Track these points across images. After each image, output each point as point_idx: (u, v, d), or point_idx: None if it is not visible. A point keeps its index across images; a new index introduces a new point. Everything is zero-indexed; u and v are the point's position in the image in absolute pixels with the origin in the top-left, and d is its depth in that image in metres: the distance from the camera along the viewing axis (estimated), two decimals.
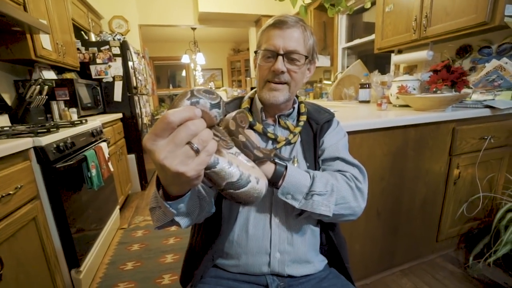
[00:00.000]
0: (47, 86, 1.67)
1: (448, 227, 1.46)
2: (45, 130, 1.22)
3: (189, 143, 0.30)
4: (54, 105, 1.80)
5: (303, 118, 0.68)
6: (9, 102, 1.64)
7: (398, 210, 1.32)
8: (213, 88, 4.66)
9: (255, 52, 0.64)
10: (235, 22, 3.80)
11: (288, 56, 0.60)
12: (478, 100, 1.42)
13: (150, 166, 3.03)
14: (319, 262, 0.67)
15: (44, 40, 1.65)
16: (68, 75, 2.18)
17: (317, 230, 0.67)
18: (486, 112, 1.33)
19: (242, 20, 3.75)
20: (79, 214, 1.36)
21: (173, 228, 1.94)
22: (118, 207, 2.04)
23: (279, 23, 0.59)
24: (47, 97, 1.71)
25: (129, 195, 2.60)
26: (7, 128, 1.36)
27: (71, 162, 1.22)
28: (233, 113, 0.51)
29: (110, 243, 1.80)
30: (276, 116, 0.68)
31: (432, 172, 1.34)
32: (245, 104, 0.69)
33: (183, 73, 6.43)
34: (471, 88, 1.52)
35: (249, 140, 0.48)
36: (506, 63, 1.34)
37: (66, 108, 1.89)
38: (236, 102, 0.72)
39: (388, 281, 1.34)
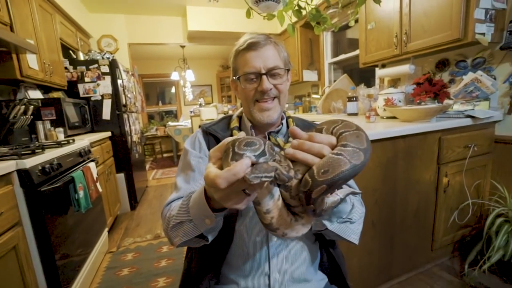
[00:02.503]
0: (32, 106, 1.62)
1: (442, 235, 1.48)
2: (29, 152, 1.17)
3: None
4: (40, 125, 1.75)
5: None
6: None
7: (392, 221, 1.32)
8: (203, 104, 4.67)
9: (237, 78, 0.64)
10: (223, 40, 3.89)
11: (270, 73, 0.62)
12: (459, 110, 1.49)
13: (139, 184, 2.95)
14: (319, 280, 0.66)
15: (31, 60, 1.63)
16: (55, 94, 2.14)
17: (315, 247, 0.65)
18: (468, 121, 1.39)
19: (230, 38, 3.84)
20: (65, 239, 1.29)
21: (165, 249, 1.88)
22: (106, 229, 1.95)
23: (253, 45, 0.61)
24: (32, 117, 1.66)
25: (118, 216, 2.50)
26: None
27: (57, 185, 1.17)
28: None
29: (98, 268, 1.71)
30: (266, 134, 0.68)
31: (422, 181, 1.37)
32: (234, 123, 0.70)
33: (173, 90, 6.44)
34: (452, 99, 1.59)
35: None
36: (481, 75, 1.43)
37: (52, 128, 1.84)
38: (225, 121, 0.73)
39: None
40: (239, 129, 0.69)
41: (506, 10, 1.40)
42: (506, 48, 1.38)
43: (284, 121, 0.71)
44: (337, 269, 0.67)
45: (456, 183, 1.45)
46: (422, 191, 1.37)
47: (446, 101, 1.53)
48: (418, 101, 1.55)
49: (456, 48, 1.57)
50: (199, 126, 0.71)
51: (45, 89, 2.08)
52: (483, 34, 1.37)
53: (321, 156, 0.36)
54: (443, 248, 1.53)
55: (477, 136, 1.45)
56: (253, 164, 0.35)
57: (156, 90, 6.48)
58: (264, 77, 0.61)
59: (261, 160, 0.36)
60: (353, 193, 0.49)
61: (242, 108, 0.72)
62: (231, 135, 0.67)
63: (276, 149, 0.40)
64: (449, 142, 1.37)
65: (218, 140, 0.66)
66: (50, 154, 1.25)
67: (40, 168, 1.13)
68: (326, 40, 3.11)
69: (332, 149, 0.36)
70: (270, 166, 0.35)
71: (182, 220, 0.49)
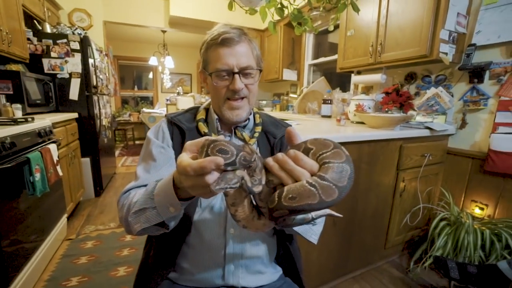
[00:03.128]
0: None
1: (394, 235, 1.61)
2: None
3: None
4: None
5: (258, 129, 0.70)
6: None
7: (352, 221, 1.41)
8: (181, 93, 4.54)
9: (209, 74, 0.63)
10: (207, 29, 3.78)
11: (243, 72, 0.62)
12: (420, 122, 1.61)
13: (107, 170, 2.81)
14: (274, 273, 0.69)
15: None
16: (13, 67, 1.95)
17: (273, 240, 0.68)
18: (426, 132, 1.51)
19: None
20: (15, 224, 1.20)
21: (128, 238, 1.83)
22: (65, 215, 1.85)
23: (226, 41, 0.60)
24: None
25: (80, 202, 2.37)
26: None
27: (9, 165, 1.08)
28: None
29: (52, 256, 1.62)
30: (232, 128, 0.69)
31: (382, 185, 1.47)
32: (201, 115, 0.69)
33: (150, 75, 6.17)
34: (416, 110, 1.72)
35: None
36: (441, 91, 1.56)
37: (8, 103, 1.69)
38: (192, 112, 0.72)
39: (341, 287, 1.41)
40: (205, 121, 0.69)
41: (466, 35, 1.53)
42: (463, 69, 1.51)
43: (251, 116, 0.72)
44: (293, 263, 0.70)
45: (411, 188, 1.58)
46: (381, 194, 1.48)
47: (410, 112, 1.65)
48: (385, 110, 1.65)
49: (423, 63, 1.70)
50: (165, 116, 0.70)
51: (1, 59, 1.89)
52: (446, 53, 1.49)
53: (297, 180, 0.35)
54: (395, 247, 1.66)
55: (432, 146, 1.58)
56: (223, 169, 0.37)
57: (133, 74, 6.16)
58: (237, 76, 0.60)
59: (229, 168, 0.37)
60: (331, 215, 0.50)
61: (209, 101, 0.72)
62: (197, 127, 0.67)
63: (256, 155, 0.40)
64: (408, 150, 1.49)
65: (182, 132, 0.66)
66: (2, 132, 1.15)
67: None
68: (308, 41, 3.17)
69: (312, 175, 0.36)
70: (236, 176, 0.37)
71: (145, 206, 0.49)
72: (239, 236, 0.62)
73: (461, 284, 1.35)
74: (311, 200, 0.34)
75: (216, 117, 0.68)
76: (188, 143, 0.40)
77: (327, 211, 0.50)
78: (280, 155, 0.37)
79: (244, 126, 0.70)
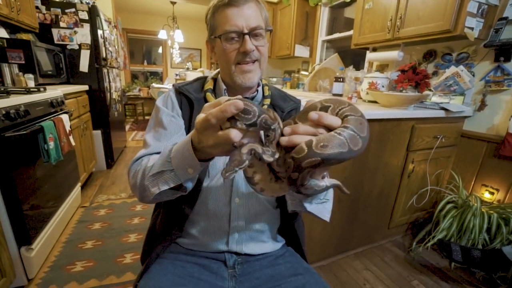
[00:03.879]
0: None
1: (399, 215, 1.61)
2: None
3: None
4: (6, 68, 1.61)
5: (267, 101, 0.68)
6: None
7: (357, 199, 1.42)
8: (190, 69, 4.48)
9: (216, 37, 0.60)
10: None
11: (253, 33, 0.59)
12: (435, 102, 1.54)
13: (118, 144, 2.88)
14: (276, 242, 0.71)
15: None
16: (24, 36, 1.95)
17: (276, 212, 0.69)
18: (441, 113, 1.46)
19: None
20: (33, 189, 1.26)
21: (139, 207, 1.91)
22: (79, 184, 1.93)
23: (234, 1, 0.57)
24: None
25: (92, 173, 2.47)
26: None
27: (24, 132, 1.12)
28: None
29: (69, 221, 1.72)
30: None
31: (390, 165, 1.45)
32: (208, 85, 0.67)
33: (160, 50, 6.07)
34: (432, 90, 1.64)
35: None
36: (462, 70, 1.47)
37: (21, 73, 1.71)
38: (199, 82, 0.70)
39: (342, 262, 1.45)
40: (213, 91, 0.68)
41: (498, 7, 1.41)
42: (489, 46, 1.41)
43: (259, 88, 0.70)
44: (295, 235, 0.71)
45: (420, 170, 1.55)
46: (388, 174, 1.46)
47: (426, 92, 1.58)
48: (400, 88, 1.58)
49: (445, 40, 1.59)
50: (173, 85, 0.69)
51: (11, 28, 1.89)
52: (472, 28, 1.38)
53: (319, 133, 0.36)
54: (399, 227, 1.68)
55: (446, 128, 1.53)
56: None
57: (142, 48, 6.08)
58: (247, 37, 0.58)
59: (250, 129, 0.38)
60: (339, 188, 0.50)
61: (218, 70, 0.70)
62: (204, 97, 0.66)
63: (277, 124, 0.39)
64: (420, 131, 1.44)
65: (190, 102, 0.65)
66: (16, 100, 1.17)
67: (4, 112, 1.06)
68: (323, 16, 3.01)
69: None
70: (243, 155, 0.37)
71: (163, 169, 0.49)
72: (244, 205, 0.63)
73: (462, 266, 1.37)
74: (342, 148, 0.34)
75: (224, 87, 0.66)
76: (206, 105, 0.39)
77: (338, 182, 0.49)
78: (313, 114, 0.37)
79: (253, 98, 0.68)
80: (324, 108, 0.39)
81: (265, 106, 0.67)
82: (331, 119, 0.36)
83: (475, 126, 1.57)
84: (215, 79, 0.69)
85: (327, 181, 0.47)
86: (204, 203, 0.63)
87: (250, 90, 0.68)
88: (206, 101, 0.66)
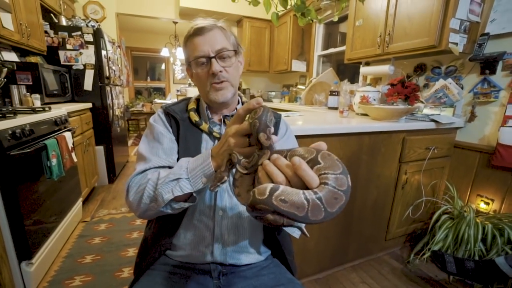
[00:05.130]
0: (6, 69, 1.58)
1: (396, 227, 1.61)
2: (0, 115, 1.17)
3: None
4: (14, 89, 1.70)
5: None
6: None
7: (351, 211, 1.43)
8: (192, 84, 4.60)
9: (189, 64, 0.68)
10: (217, 20, 3.80)
11: (219, 55, 0.64)
12: (426, 114, 1.58)
13: (120, 159, 2.95)
14: (261, 253, 0.73)
15: (5, 19, 1.56)
16: (32, 59, 2.07)
17: (259, 224, 0.71)
18: (432, 125, 1.49)
19: (224, 19, 3.76)
20: (35, 204, 1.31)
21: (138, 222, 1.93)
22: (81, 199, 1.97)
23: (199, 31, 0.64)
24: (5, 80, 1.62)
25: (94, 188, 2.52)
26: None
27: (28, 150, 1.18)
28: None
29: (69, 236, 1.75)
30: (221, 117, 0.72)
31: (383, 177, 1.47)
32: (192, 105, 0.73)
33: (163, 66, 6.28)
34: (423, 102, 1.68)
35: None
36: (450, 83, 1.51)
37: (28, 93, 1.80)
38: (184, 102, 0.76)
39: (339, 275, 1.45)
40: (197, 111, 0.73)
41: (480, 24, 1.47)
42: (474, 60, 1.46)
43: (239, 106, 0.75)
44: (278, 245, 0.73)
45: (414, 181, 1.56)
46: (382, 186, 1.48)
47: (417, 104, 1.62)
48: (390, 101, 1.63)
49: (432, 54, 1.65)
50: (161, 107, 0.75)
51: (21, 51, 2.01)
52: (456, 44, 1.44)
53: (293, 185, 0.36)
54: (396, 239, 1.67)
55: (439, 139, 1.55)
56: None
57: (146, 65, 6.29)
58: (213, 60, 0.64)
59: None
60: (300, 230, 0.54)
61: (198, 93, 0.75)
62: (188, 116, 0.71)
63: (267, 149, 0.44)
64: (412, 142, 1.47)
65: (176, 121, 0.70)
66: (23, 120, 1.24)
67: (10, 132, 1.13)
68: (318, 32, 3.12)
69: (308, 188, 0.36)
70: (223, 173, 0.47)
71: (180, 177, 0.54)
72: (227, 218, 0.67)
73: (459, 278, 1.35)
74: (299, 212, 0.34)
75: (205, 105, 0.72)
76: (230, 123, 0.51)
77: (302, 225, 0.52)
78: (297, 159, 0.36)
79: (233, 115, 0.73)
80: (313, 162, 0.37)
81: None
82: (309, 177, 0.35)
83: (467, 137, 1.60)
84: (198, 99, 0.75)
85: (286, 221, 0.47)
86: (190, 217, 0.67)
87: (228, 107, 0.73)
88: (190, 120, 0.71)
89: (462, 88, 1.57)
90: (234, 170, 0.49)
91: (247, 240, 0.69)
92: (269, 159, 0.41)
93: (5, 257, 1.13)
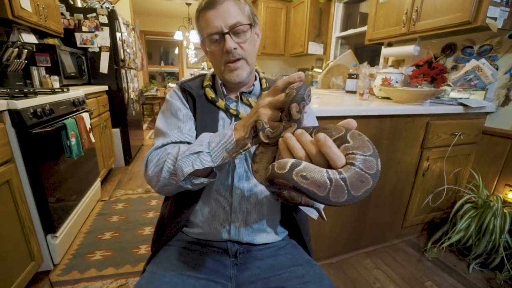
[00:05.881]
0: (26, 50, 1.60)
1: (414, 215, 1.56)
2: (21, 95, 1.19)
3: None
4: (34, 71, 1.74)
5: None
6: None
7: (367, 197, 1.38)
8: (206, 68, 4.56)
9: (202, 41, 0.64)
10: None
11: (234, 31, 0.60)
12: (453, 98, 1.48)
13: (135, 142, 3.01)
14: (278, 233, 0.72)
15: (23, 0, 1.57)
16: (50, 41, 2.09)
17: (276, 204, 0.70)
18: (459, 109, 1.39)
19: None
20: (57, 182, 1.36)
21: (154, 202, 1.98)
22: (99, 179, 2.04)
23: (210, 3, 0.59)
24: (26, 61, 1.65)
25: (112, 169, 2.60)
26: None
27: (49, 129, 1.21)
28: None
29: (89, 213, 1.83)
30: (238, 94, 0.69)
31: (403, 162, 1.41)
32: (207, 81, 0.70)
33: (176, 51, 6.24)
34: (450, 85, 1.57)
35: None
36: (484, 63, 1.39)
37: (48, 75, 1.83)
38: (200, 79, 0.73)
39: (352, 261, 1.43)
40: (212, 87, 0.70)
41: None
42: None
43: (257, 82, 0.71)
44: (295, 225, 0.72)
45: (436, 168, 1.49)
46: (401, 172, 1.42)
47: (444, 87, 1.51)
48: (415, 84, 1.53)
49: (465, 32, 1.51)
50: (176, 83, 0.72)
51: (40, 34, 2.03)
52: (495, 18, 1.31)
53: (316, 162, 0.34)
54: (413, 227, 1.62)
55: (466, 125, 1.45)
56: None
57: (160, 50, 6.27)
58: (227, 36, 0.59)
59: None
60: (319, 213, 0.51)
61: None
62: (204, 93, 0.69)
63: (297, 122, 0.41)
64: (436, 127, 1.39)
65: (193, 97, 0.68)
66: (43, 99, 1.27)
67: (32, 111, 1.15)
68: (337, 12, 2.95)
69: (333, 167, 0.33)
70: (246, 139, 0.46)
71: (201, 150, 0.52)
72: (244, 196, 0.65)
73: (482, 269, 1.31)
74: (320, 191, 0.32)
75: (220, 82, 0.69)
76: (265, 95, 0.48)
77: (321, 206, 0.49)
78: (322, 135, 0.33)
79: (250, 92, 0.70)
80: (341, 139, 0.35)
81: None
82: (334, 154, 0.33)
83: (498, 122, 1.49)
84: (213, 76, 0.72)
85: (304, 200, 0.46)
86: (208, 194, 0.66)
87: (245, 85, 0.70)
88: (206, 96, 0.69)
89: (497, 69, 1.44)
90: (254, 148, 0.48)
91: (265, 219, 0.68)
92: (293, 133, 0.39)
93: (33, 230, 1.19)
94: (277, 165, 0.35)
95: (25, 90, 1.39)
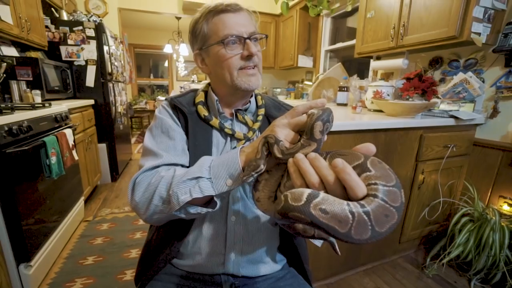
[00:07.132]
0: (5, 64, 1.52)
1: (411, 229, 1.53)
2: None
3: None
4: (14, 85, 1.65)
5: (261, 111, 0.66)
6: None
7: None
8: (196, 81, 4.54)
9: (218, 42, 0.57)
10: None
11: (252, 37, 0.58)
12: (444, 110, 1.49)
13: (123, 157, 2.90)
14: (276, 262, 0.66)
15: (3, 12, 1.50)
16: (33, 54, 2.01)
17: (275, 230, 0.65)
18: (451, 121, 1.40)
19: None
20: (35, 203, 1.26)
21: (141, 222, 1.88)
22: (83, 198, 1.92)
23: (230, 7, 0.57)
24: (4, 75, 1.56)
25: (97, 186, 2.47)
26: None
27: (26, 148, 1.12)
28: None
29: (71, 236, 1.70)
30: (233, 111, 0.65)
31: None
32: (199, 98, 0.65)
33: (166, 64, 6.21)
34: (440, 98, 1.59)
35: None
36: (471, 77, 1.42)
37: (29, 89, 1.74)
38: (192, 95, 0.68)
39: (351, 280, 1.37)
40: (205, 103, 0.65)
41: (506, 12, 1.37)
42: (499, 51, 1.36)
43: (252, 99, 0.67)
44: (296, 253, 0.67)
45: (431, 181, 1.48)
46: None
47: (434, 99, 1.53)
48: (406, 97, 1.54)
49: (451, 46, 1.55)
50: (165, 99, 0.67)
51: (22, 46, 1.95)
52: (479, 34, 1.34)
53: (335, 194, 0.30)
54: (410, 242, 1.59)
55: (457, 137, 1.46)
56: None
57: (149, 63, 6.24)
58: (249, 41, 0.57)
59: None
60: (332, 246, 0.48)
61: (207, 82, 0.68)
62: (196, 110, 0.64)
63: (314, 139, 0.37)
64: (429, 140, 1.38)
65: (184, 115, 0.63)
66: (20, 116, 1.19)
67: (6, 129, 1.07)
68: (325, 26, 3.02)
69: (353, 198, 0.30)
70: (259, 161, 0.40)
71: (200, 176, 0.46)
72: (240, 224, 0.60)
73: (483, 285, 1.27)
74: (341, 227, 0.28)
75: (216, 98, 0.63)
76: (283, 118, 0.45)
77: (334, 240, 0.45)
78: (340, 161, 0.30)
79: (246, 110, 0.66)
80: (362, 167, 0.31)
81: (260, 117, 0.65)
82: (354, 183, 0.29)
83: (488, 134, 1.50)
84: (205, 92, 0.67)
85: (317, 233, 0.42)
86: (200, 223, 0.59)
87: (246, 98, 0.66)
88: (198, 114, 0.63)
89: (483, 82, 1.47)
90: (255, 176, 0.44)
91: (262, 248, 0.62)
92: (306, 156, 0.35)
93: (2, 261, 1.07)
94: (291, 196, 0.31)
95: (1, 105, 1.30)
